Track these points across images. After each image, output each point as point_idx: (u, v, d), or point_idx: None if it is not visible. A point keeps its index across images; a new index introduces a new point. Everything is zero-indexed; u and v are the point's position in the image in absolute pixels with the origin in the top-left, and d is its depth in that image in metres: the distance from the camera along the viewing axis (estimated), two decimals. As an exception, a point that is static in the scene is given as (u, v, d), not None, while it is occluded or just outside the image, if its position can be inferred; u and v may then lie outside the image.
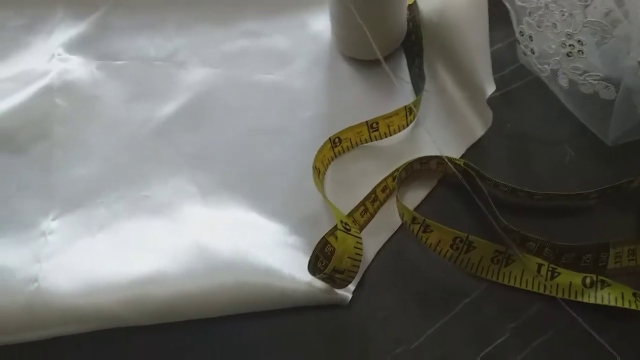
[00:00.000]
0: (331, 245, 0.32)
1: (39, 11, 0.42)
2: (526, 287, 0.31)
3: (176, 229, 0.33)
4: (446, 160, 0.33)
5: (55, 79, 0.38)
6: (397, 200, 0.33)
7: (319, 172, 0.34)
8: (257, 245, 0.32)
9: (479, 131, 0.36)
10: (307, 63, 0.39)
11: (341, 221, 0.31)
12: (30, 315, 0.30)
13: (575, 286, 0.30)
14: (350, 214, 0.33)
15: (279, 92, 0.38)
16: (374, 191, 0.34)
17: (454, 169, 0.33)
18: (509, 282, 0.31)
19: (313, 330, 0.31)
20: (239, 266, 0.31)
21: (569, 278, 0.31)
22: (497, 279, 0.31)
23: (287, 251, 0.32)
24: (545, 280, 0.31)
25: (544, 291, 0.31)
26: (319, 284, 0.31)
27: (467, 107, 0.37)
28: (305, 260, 0.31)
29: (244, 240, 0.32)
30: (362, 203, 0.33)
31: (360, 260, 0.31)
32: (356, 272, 0.31)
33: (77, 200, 0.34)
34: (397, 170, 0.34)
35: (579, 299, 0.30)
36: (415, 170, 0.35)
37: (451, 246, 0.31)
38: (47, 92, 0.38)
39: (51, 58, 0.39)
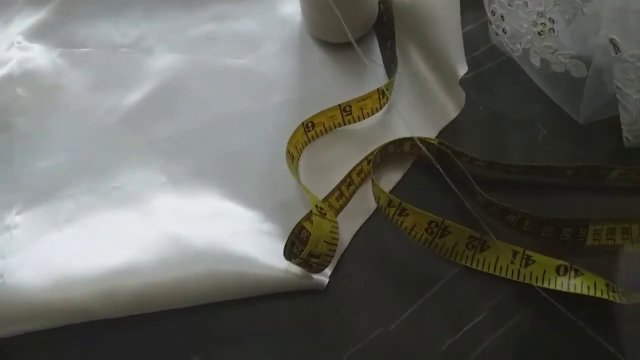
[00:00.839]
0: (307, 230, 0.31)
1: (-4, -1, 0.40)
2: (500, 273, 0.31)
3: (147, 219, 0.32)
4: (417, 141, 0.32)
5: (15, 68, 0.37)
6: (373, 183, 0.32)
7: (292, 157, 0.33)
8: (231, 233, 0.32)
9: (453, 113, 0.36)
10: (277, 47, 0.38)
11: (316, 206, 0.30)
12: (-3, 311, 0.29)
13: (549, 274, 0.30)
14: (325, 199, 0.32)
15: (249, 77, 0.37)
16: (349, 175, 0.33)
17: (426, 151, 0.32)
18: (482, 268, 0.31)
19: (289, 316, 0.31)
20: (212, 255, 0.31)
21: (542, 266, 0.31)
22: (472, 264, 0.31)
23: (261, 238, 0.32)
24: (520, 267, 0.31)
25: (518, 278, 0.31)
26: (294, 269, 0.31)
27: (439, 89, 0.36)
28: (280, 247, 0.31)
29: (217, 228, 0.32)
30: (338, 187, 0.33)
31: (336, 245, 0.30)
32: (332, 256, 0.30)
33: (42, 193, 0.33)
34: (371, 153, 0.34)
35: (552, 286, 0.30)
36: (389, 153, 0.35)
37: (426, 230, 0.31)
38: (7, 81, 0.36)
39: (10, 47, 0.38)
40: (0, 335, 0.30)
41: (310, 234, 0.31)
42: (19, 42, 0.38)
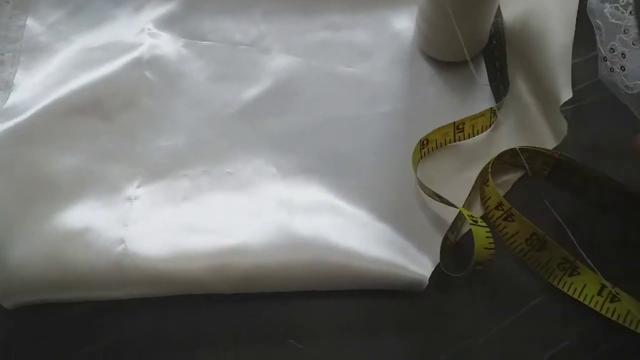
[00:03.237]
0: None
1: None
2: (583, 301, 0.31)
3: (258, 205, 0.34)
4: (519, 152, 0.33)
5: (145, 53, 0.39)
6: (488, 183, 0.33)
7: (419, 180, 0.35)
8: (336, 227, 0.33)
9: (553, 142, 0.37)
10: (387, 59, 0.40)
11: (470, 216, 0.32)
12: (119, 274, 0.31)
13: (632, 315, 0.31)
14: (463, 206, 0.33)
15: (358, 85, 0.39)
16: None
17: (525, 165, 0.33)
18: (568, 290, 0.32)
19: (382, 316, 0.32)
20: (318, 245, 0.32)
21: (627, 307, 0.31)
22: (558, 284, 0.32)
23: (367, 235, 0.33)
24: (605, 301, 0.31)
25: (600, 310, 0.31)
26: (396, 268, 0.32)
27: (541, 117, 0.37)
28: (385, 245, 0.33)
29: (323, 220, 0.34)
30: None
31: (494, 247, 0.31)
32: (492, 259, 0.31)
33: (162, 170, 0.35)
34: (489, 163, 0.35)
35: (632, 327, 0.30)
36: (503, 162, 0.35)
37: (526, 240, 0.31)
38: (138, 64, 0.39)
39: (141, 32, 0.40)
40: (120, 297, 0.32)
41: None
42: (149, 29, 0.40)
